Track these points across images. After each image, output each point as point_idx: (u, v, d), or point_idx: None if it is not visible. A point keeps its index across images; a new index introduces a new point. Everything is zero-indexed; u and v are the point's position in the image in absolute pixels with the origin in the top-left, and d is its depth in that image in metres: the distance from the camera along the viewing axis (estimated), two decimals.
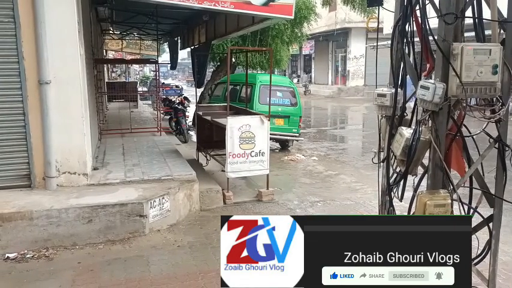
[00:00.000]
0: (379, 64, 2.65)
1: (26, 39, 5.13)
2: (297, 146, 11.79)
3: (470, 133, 2.43)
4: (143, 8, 8.72)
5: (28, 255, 4.53)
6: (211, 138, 7.89)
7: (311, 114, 21.01)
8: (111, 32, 17.01)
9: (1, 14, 5.07)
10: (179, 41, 15.57)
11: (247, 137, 6.41)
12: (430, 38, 2.13)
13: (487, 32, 2.24)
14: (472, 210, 2.40)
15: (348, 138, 14.11)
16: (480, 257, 2.48)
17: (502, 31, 2.24)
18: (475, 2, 2.14)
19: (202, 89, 14.12)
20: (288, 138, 11.00)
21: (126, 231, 5.02)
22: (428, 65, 2.29)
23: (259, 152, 6.52)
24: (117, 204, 5.00)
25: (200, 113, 8.39)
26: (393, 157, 2.37)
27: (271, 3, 5.94)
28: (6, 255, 4.51)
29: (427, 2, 2.18)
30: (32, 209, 4.72)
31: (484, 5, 2.20)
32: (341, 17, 28.78)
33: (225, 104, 7.32)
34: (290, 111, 10.86)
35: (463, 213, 2.22)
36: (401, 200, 2.42)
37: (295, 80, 35.81)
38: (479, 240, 2.41)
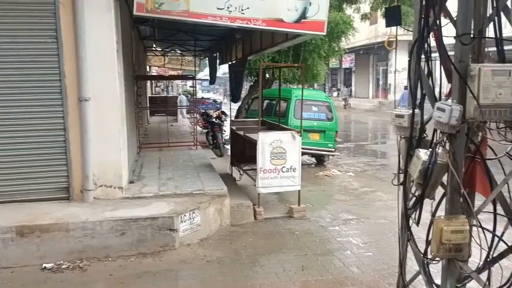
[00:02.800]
0: None
1: (67, 59, 5.42)
2: (333, 161, 11.65)
3: (496, 155, 2.32)
4: (183, 26, 8.98)
5: (63, 266, 4.72)
6: (244, 153, 7.95)
7: (350, 129, 20.72)
8: (153, 48, 17.60)
9: (45, 34, 5.38)
10: (218, 56, 15.89)
11: (279, 152, 6.42)
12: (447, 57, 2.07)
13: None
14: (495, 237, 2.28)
15: (388, 153, 13.77)
16: None
17: None
18: (495, 20, 2.07)
19: (239, 104, 14.30)
20: (324, 153, 10.90)
21: (156, 244, 5.12)
22: (450, 86, 2.23)
23: (291, 168, 6.50)
24: (148, 218, 5.12)
25: (234, 127, 8.49)
26: (411, 180, 2.31)
27: (303, 20, 5.96)
28: (44, 265, 4.71)
29: (446, 21, 2.14)
30: (68, 221, 4.93)
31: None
32: (382, 31, 28.35)
33: (259, 119, 7.37)
34: (326, 126, 10.78)
35: (484, 240, 2.12)
36: (417, 224, 2.34)
37: (335, 94, 35.56)
38: (503, 269, 2.28)
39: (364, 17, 15.59)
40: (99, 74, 5.53)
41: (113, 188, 5.79)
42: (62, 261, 4.79)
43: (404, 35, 24.25)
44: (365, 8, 15.32)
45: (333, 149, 10.97)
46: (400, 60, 29.37)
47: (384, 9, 12.21)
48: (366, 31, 26.87)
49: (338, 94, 36.35)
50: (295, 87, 14.67)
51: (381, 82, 32.79)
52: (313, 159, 11.52)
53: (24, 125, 5.47)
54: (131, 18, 8.23)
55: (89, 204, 5.56)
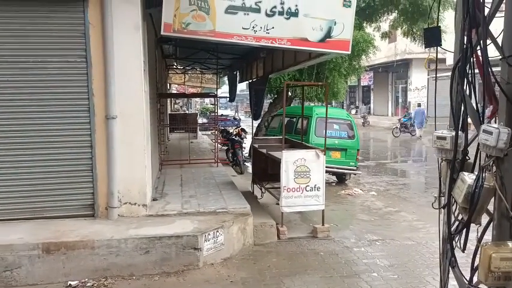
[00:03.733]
0: (443, 96, 2.50)
1: (96, 78, 5.52)
2: (355, 180, 11.51)
3: None
4: (205, 45, 9.09)
5: (88, 284, 4.72)
6: (267, 171, 7.92)
7: (370, 147, 20.54)
8: (174, 67, 17.85)
9: (75, 54, 5.50)
10: (238, 74, 16.01)
11: (303, 171, 6.37)
12: (493, 79, 2.02)
13: None
14: None
15: (410, 172, 13.58)
16: None
17: None
18: None
19: (259, 121, 14.33)
20: (345, 171, 10.80)
21: (180, 263, 5.09)
22: (491, 107, 2.17)
23: (315, 187, 6.43)
24: (173, 236, 5.10)
25: (256, 145, 8.48)
26: (454, 203, 2.24)
27: (328, 39, 5.97)
28: (69, 282, 4.72)
29: (488, 42, 2.09)
30: (94, 239, 4.94)
31: None
32: (401, 48, 28.32)
33: (281, 137, 7.35)
34: (347, 144, 10.70)
35: None
36: (463, 250, 2.25)
37: (353, 111, 35.42)
38: None
39: (384, 35, 15.57)
40: (127, 92, 5.61)
41: (137, 206, 5.80)
42: (86, 279, 4.79)
43: (424, 53, 24.14)
44: (385, 26, 15.32)
45: (355, 168, 10.86)
46: (419, 78, 29.33)
47: (411, 26, 12.20)
48: (385, 49, 26.84)
49: (356, 112, 36.22)
50: (314, 104, 14.66)
51: (400, 100, 32.57)
52: (334, 178, 11.41)
53: (52, 142, 5.55)
54: (156, 38, 8.37)
55: (114, 221, 5.57)
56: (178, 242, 5.09)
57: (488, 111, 2.27)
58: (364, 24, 13.73)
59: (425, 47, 2.68)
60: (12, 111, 5.43)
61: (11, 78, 5.38)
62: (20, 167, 5.50)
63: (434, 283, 4.79)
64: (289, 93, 13.67)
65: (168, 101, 19.53)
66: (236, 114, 35.76)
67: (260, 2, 5.66)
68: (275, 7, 5.72)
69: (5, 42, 5.33)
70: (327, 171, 9.47)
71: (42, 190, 5.58)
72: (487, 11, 2.15)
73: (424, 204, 8.77)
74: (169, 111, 20.33)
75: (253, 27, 5.70)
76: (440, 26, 2.58)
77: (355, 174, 11.33)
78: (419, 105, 25.59)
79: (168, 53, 12.06)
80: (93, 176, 5.65)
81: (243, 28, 5.69)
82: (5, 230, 5.14)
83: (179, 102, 33.08)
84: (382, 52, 24.72)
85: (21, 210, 5.52)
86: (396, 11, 12.56)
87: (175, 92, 24.90)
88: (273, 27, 5.76)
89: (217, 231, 5.42)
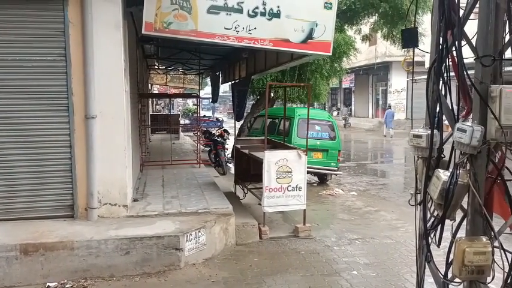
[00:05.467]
0: (421, 98, 2.57)
1: (75, 76, 5.45)
2: (336, 180, 11.62)
3: None
4: (187, 45, 9.06)
5: (67, 285, 4.65)
6: (249, 171, 7.93)
7: (351, 148, 20.75)
8: (156, 67, 17.72)
9: (54, 53, 5.42)
10: (221, 75, 16.00)
11: (284, 171, 6.41)
12: (467, 79, 2.09)
13: None
14: None
15: (389, 173, 13.78)
16: None
17: None
18: None
19: (241, 122, 14.34)
20: (326, 172, 10.90)
21: (162, 264, 5.06)
22: (466, 107, 2.24)
23: (296, 187, 6.48)
24: (154, 237, 5.07)
25: (238, 146, 8.49)
26: (430, 200, 2.30)
27: (309, 40, 6.03)
28: (47, 284, 4.64)
29: (463, 43, 2.16)
30: (73, 239, 4.87)
31: None
32: (381, 51, 28.70)
33: (263, 138, 7.38)
34: (329, 145, 10.80)
35: (506, 262, 2.09)
36: (438, 246, 2.31)
37: (335, 113, 35.76)
38: None
39: (364, 38, 15.79)
40: (107, 92, 5.55)
41: (118, 206, 5.75)
42: (65, 281, 4.73)
43: (402, 56, 24.55)
44: (366, 29, 15.53)
45: (336, 168, 10.97)
46: (399, 81, 29.78)
47: (391, 29, 12.37)
48: (366, 52, 27.17)
49: (338, 113, 36.57)
50: (296, 106, 14.75)
51: (380, 102, 33.01)
52: (316, 178, 11.50)
53: (31, 142, 5.46)
54: (137, 37, 8.31)
55: (94, 222, 5.51)
56: (160, 243, 5.06)
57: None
58: (346, 27, 13.89)
59: (403, 48, 2.75)
60: None
61: None
62: None
63: (412, 280, 4.88)
64: (272, 94, 13.72)
65: (150, 102, 19.38)
66: (213, 114, 35.58)
67: (242, 2, 5.69)
68: (257, 8, 5.75)
69: None
70: (308, 172, 9.55)
71: (20, 191, 5.47)
72: (462, 12, 2.22)
73: (402, 203, 8.92)
74: (151, 112, 20.17)
75: (235, 27, 5.73)
76: (417, 27, 2.64)
77: (336, 175, 11.44)
78: (389, 107, 27.36)
79: (150, 52, 11.98)
80: (73, 176, 5.58)
81: (225, 28, 5.71)
82: None
83: (161, 103, 32.82)
84: (363, 55, 25.07)
85: None
86: (376, 14, 12.75)
87: (157, 92, 24.70)
88: (255, 28, 5.79)
89: (199, 231, 5.41)
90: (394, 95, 30.52)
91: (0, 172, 5.40)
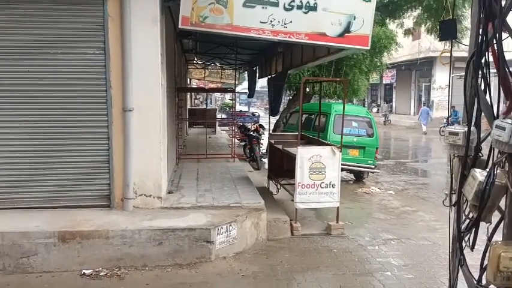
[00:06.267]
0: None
1: (114, 70, 5.58)
2: (373, 179, 11.37)
3: None
4: (224, 40, 9.11)
5: (102, 273, 4.78)
6: (282, 167, 7.88)
7: (390, 145, 20.26)
8: (195, 62, 17.94)
9: (94, 46, 5.57)
10: (257, 70, 15.99)
11: (318, 167, 6.32)
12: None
13: None
14: None
15: (430, 172, 13.33)
16: None
17: None
18: None
19: (277, 117, 14.28)
20: (363, 169, 10.68)
21: (193, 256, 5.11)
22: (508, 103, 2.10)
23: (330, 184, 6.37)
24: (186, 229, 5.13)
25: (272, 141, 8.45)
26: (465, 201, 2.18)
27: (346, 34, 5.89)
28: (83, 271, 4.80)
29: (504, 35, 2.02)
30: (108, 229, 5.01)
31: None
32: (425, 46, 27.79)
33: (297, 133, 7.30)
34: (366, 142, 10.57)
35: None
36: (472, 249, 2.19)
37: (374, 110, 34.99)
38: None
39: (407, 32, 15.31)
40: (143, 85, 5.66)
41: (152, 198, 5.85)
42: (100, 268, 4.86)
43: (449, 51, 23.94)
44: (408, 23, 15.05)
45: (373, 166, 10.72)
46: (443, 77, 28.76)
47: (436, 23, 11.92)
48: (409, 46, 26.40)
49: (378, 110, 35.75)
50: (333, 101, 14.53)
51: (423, 98, 32.02)
52: (352, 176, 11.30)
53: (71, 133, 5.65)
54: (175, 32, 8.42)
55: (129, 212, 5.64)
56: (191, 235, 5.11)
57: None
58: (387, 21, 13.52)
59: (440, 40, 2.62)
60: (32, 101, 5.54)
61: (31, 69, 5.48)
62: (39, 157, 5.61)
63: None
64: (308, 90, 13.57)
65: (188, 96, 19.66)
66: (248, 109, 35.66)
67: None
68: (293, 1, 5.68)
69: (25, 33, 5.44)
70: (344, 169, 9.41)
71: (60, 180, 5.68)
72: (504, 2, 2.08)
73: (442, 204, 8.58)
74: (189, 106, 20.46)
75: (271, 21, 5.68)
76: (455, 19, 2.50)
77: (373, 173, 11.19)
78: (424, 104, 28.59)
79: (188, 47, 12.12)
80: (110, 167, 5.73)
81: (260, 22, 5.67)
82: (22, 218, 5.27)
83: (199, 98, 33.24)
84: (406, 49, 24.32)
85: (39, 199, 5.63)
86: (420, 8, 12.31)
87: (195, 86, 25.04)
88: (290, 22, 5.72)
89: (231, 225, 5.43)
90: (438, 91, 29.53)
91: (42, 162, 5.62)
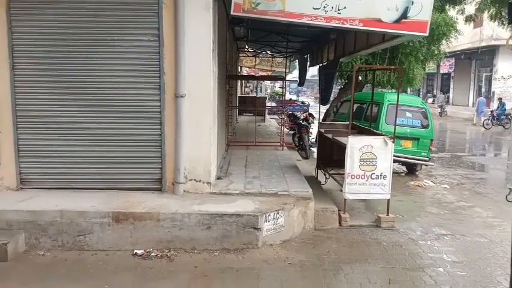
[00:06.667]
0: None
1: (167, 56, 5.68)
2: (426, 171, 10.96)
3: None
4: (275, 27, 9.03)
5: (153, 254, 4.95)
6: (332, 157, 7.76)
7: (446, 138, 19.42)
8: (246, 49, 17.98)
9: (149, 33, 5.69)
10: (308, 58, 15.77)
11: (369, 158, 6.15)
12: None
13: None
14: None
15: (488, 166, 12.65)
16: None
17: None
18: None
19: (327, 106, 14.06)
20: (416, 162, 10.31)
21: (240, 241, 5.17)
22: None
23: (381, 175, 6.19)
24: (234, 215, 5.19)
25: (322, 130, 8.33)
26: None
27: (403, 20, 5.65)
28: (135, 251, 4.98)
29: None
30: (159, 211, 5.16)
31: None
32: (487, 34, 26.23)
33: (348, 123, 7.14)
34: (420, 133, 10.18)
35: None
36: None
37: (430, 100, 33.65)
38: None
39: (468, 19, 14.48)
40: (195, 71, 5.73)
41: (202, 183, 5.95)
42: (151, 249, 5.03)
43: None
44: (470, 9, 14.23)
45: (427, 159, 10.32)
46: (506, 67, 27.09)
47: (501, 9, 11.19)
48: (469, 34, 25.03)
49: (433, 101, 34.36)
50: (386, 91, 14.07)
51: (483, 89, 30.34)
52: (404, 168, 10.95)
53: (125, 118, 5.83)
54: (227, 19, 8.44)
55: (179, 196, 5.78)
56: (239, 221, 5.16)
57: None
58: (447, 7, 12.86)
59: (509, 24, 2.42)
60: (89, 86, 5.76)
61: (90, 55, 5.70)
62: (96, 140, 5.85)
63: (506, 283, 4.45)
64: (360, 78, 13.22)
65: (239, 84, 19.78)
66: (297, 98, 35.38)
67: None
68: None
69: (83, 20, 5.64)
70: (396, 161, 9.14)
71: (115, 163, 5.91)
72: None
73: (502, 200, 8.09)
74: (239, 94, 20.59)
75: (324, 7, 5.55)
76: None
77: (426, 166, 10.78)
78: (480, 95, 27.72)
79: (240, 35, 12.14)
80: (162, 152, 5.87)
81: (313, 8, 5.56)
82: (80, 198, 5.53)
83: (250, 86, 33.35)
84: (466, 37, 23.09)
85: (95, 181, 5.89)
86: None
87: (245, 74, 25.14)
88: (344, 7, 5.57)
89: (278, 212, 5.43)
90: (500, 82, 27.85)
91: (98, 145, 5.86)
